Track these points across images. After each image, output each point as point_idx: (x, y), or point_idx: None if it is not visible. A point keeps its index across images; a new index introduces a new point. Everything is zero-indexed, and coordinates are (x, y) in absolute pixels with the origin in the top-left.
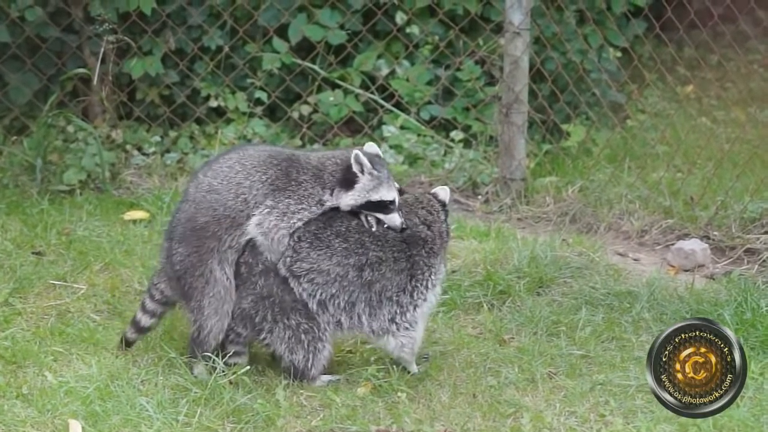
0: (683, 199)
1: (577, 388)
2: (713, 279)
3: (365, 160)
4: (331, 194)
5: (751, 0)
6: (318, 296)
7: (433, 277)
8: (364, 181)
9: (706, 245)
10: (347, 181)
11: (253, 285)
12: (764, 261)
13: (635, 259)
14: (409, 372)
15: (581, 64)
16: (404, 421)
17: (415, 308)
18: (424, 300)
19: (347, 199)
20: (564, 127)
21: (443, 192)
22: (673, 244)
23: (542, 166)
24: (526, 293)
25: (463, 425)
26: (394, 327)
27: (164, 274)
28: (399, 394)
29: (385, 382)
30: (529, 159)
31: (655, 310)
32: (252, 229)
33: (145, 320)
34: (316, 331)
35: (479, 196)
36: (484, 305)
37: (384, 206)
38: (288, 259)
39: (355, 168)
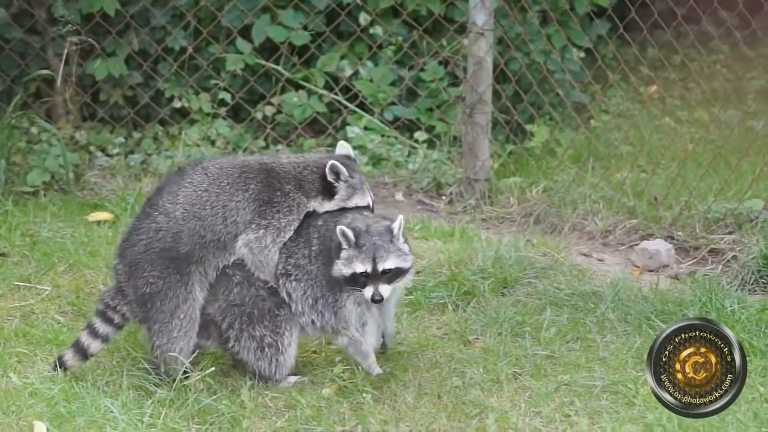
0: (647, 200)
1: (542, 389)
2: (678, 279)
3: (342, 169)
4: (314, 201)
5: (714, 0)
6: (299, 292)
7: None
8: (341, 190)
9: (671, 245)
10: (328, 190)
11: (227, 292)
12: (728, 261)
13: (599, 260)
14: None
15: (545, 64)
16: (369, 422)
17: (335, 314)
18: (342, 306)
19: (327, 207)
20: (528, 127)
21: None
22: (637, 245)
23: (506, 167)
24: (490, 294)
25: (428, 426)
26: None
27: (121, 296)
28: (364, 395)
29: (350, 382)
30: (493, 159)
31: (620, 310)
32: (241, 249)
33: (95, 346)
34: (280, 345)
35: (443, 197)
36: (449, 306)
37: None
38: (283, 256)
39: (331, 177)
